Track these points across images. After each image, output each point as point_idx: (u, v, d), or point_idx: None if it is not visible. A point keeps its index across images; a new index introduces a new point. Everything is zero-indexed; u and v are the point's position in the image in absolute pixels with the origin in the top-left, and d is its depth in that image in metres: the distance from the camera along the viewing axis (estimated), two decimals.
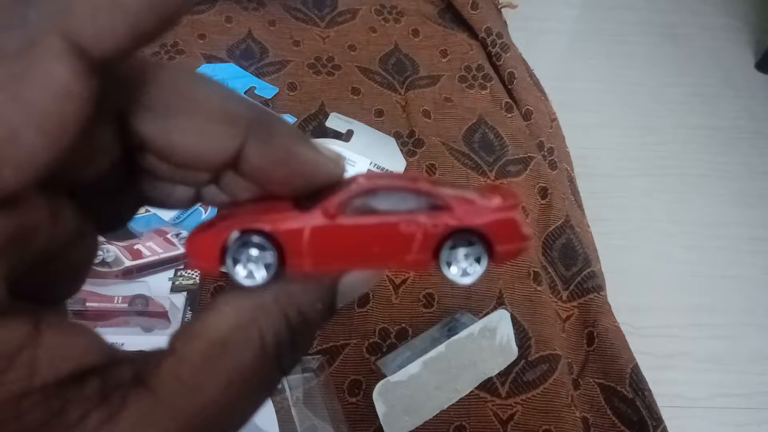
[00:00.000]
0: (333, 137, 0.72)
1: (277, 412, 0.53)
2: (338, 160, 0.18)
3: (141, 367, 0.16)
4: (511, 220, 0.18)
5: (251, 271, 0.17)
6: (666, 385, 1.13)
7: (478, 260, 0.18)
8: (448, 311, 0.61)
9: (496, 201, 0.19)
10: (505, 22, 1.00)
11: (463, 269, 0.18)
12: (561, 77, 1.57)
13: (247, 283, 0.17)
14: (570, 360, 0.62)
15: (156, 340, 0.57)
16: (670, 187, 1.44)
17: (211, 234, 0.17)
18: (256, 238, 0.17)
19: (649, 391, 0.60)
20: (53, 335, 0.15)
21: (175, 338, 0.16)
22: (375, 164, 0.70)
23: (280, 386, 0.54)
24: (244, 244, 0.17)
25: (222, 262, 0.17)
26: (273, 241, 0.17)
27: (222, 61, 0.80)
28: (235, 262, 0.17)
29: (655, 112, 1.58)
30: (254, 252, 0.17)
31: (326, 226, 0.17)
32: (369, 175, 0.18)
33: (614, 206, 1.38)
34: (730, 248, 1.34)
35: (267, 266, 0.17)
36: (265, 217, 0.17)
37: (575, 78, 1.63)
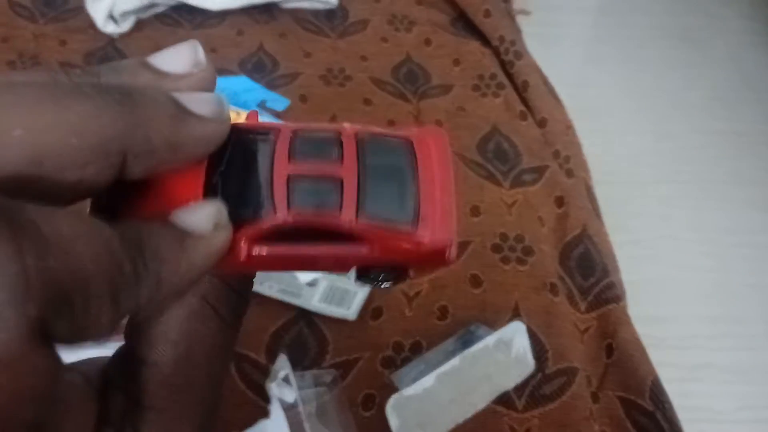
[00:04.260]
0: None
1: (290, 426, 0.52)
2: (221, 115, 0.16)
3: (126, 387, 0.16)
4: (435, 252, 0.17)
5: None
6: (690, 397, 1.10)
7: (394, 278, 0.18)
8: (462, 324, 0.60)
9: (427, 223, 0.17)
10: (519, 29, 0.99)
11: (377, 283, 0.18)
12: (577, 83, 1.55)
13: None
14: (588, 373, 0.61)
15: None
16: (689, 193, 1.41)
17: None
18: None
19: (670, 403, 0.58)
20: None
21: (140, 346, 0.16)
22: None
23: (293, 401, 0.53)
24: None
25: None
26: None
27: (234, 74, 0.81)
28: None
29: (674, 117, 1.56)
30: None
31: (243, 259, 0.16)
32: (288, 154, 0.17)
33: (634, 214, 1.35)
34: (753, 256, 1.31)
35: None
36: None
37: (592, 84, 1.61)
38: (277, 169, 0.16)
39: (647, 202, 1.39)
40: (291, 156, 0.16)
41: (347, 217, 0.16)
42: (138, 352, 0.16)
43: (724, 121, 1.57)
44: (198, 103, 0.15)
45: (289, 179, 0.16)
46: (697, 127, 1.55)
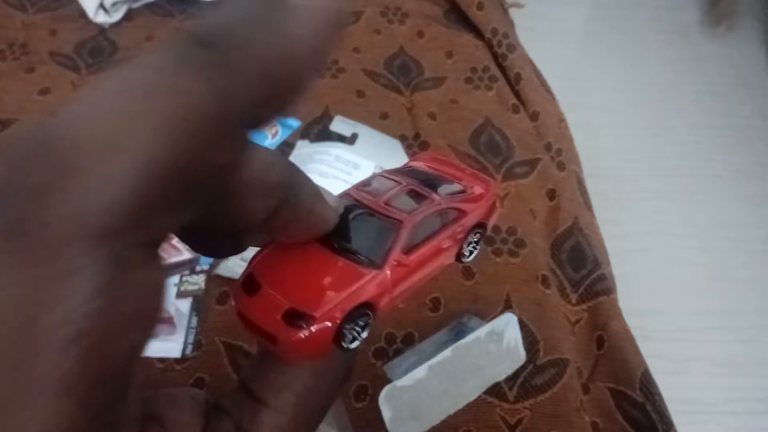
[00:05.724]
0: (338, 141, 0.71)
1: None
2: (339, 209, 0.21)
3: (240, 421, 0.19)
4: (495, 203, 0.25)
5: (357, 335, 0.19)
6: (681, 389, 1.11)
7: (477, 241, 0.24)
8: (454, 315, 0.60)
9: (480, 190, 0.25)
10: (512, 21, 0.99)
11: (470, 251, 0.24)
12: (571, 77, 1.55)
13: (354, 346, 0.19)
14: (579, 364, 0.61)
15: (162, 345, 0.57)
16: (682, 188, 1.42)
17: (318, 329, 0.18)
18: (362, 314, 0.19)
19: (660, 395, 0.59)
20: None
21: (263, 390, 0.19)
22: (379, 167, 0.69)
23: None
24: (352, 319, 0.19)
25: (336, 344, 0.19)
26: (372, 307, 0.19)
27: None
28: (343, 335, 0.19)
29: (667, 111, 1.57)
30: (360, 321, 0.19)
31: (402, 274, 0.20)
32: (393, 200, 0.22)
33: (626, 208, 1.36)
34: (744, 249, 1.32)
35: (365, 325, 0.19)
36: (356, 289, 0.19)
37: (585, 78, 1.61)
38: (372, 206, 0.21)
39: (640, 196, 1.39)
40: (371, 196, 0.22)
41: (438, 199, 0.22)
42: (260, 395, 0.19)
43: (717, 115, 1.57)
44: (329, 195, 0.20)
45: (386, 202, 0.22)
46: (690, 121, 1.55)
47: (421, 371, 0.52)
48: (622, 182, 1.41)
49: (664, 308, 1.22)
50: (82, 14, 0.83)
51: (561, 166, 0.76)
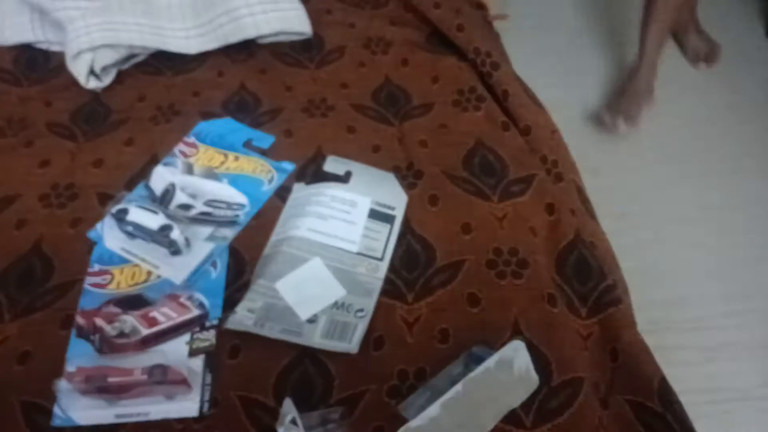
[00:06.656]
0: (332, 180, 0.72)
1: None
2: None
3: None
4: None
5: None
6: (713, 378, 1.10)
7: None
8: (464, 345, 0.60)
9: None
10: (497, 34, 0.99)
11: None
12: (568, 72, 1.54)
13: None
14: (596, 379, 0.61)
15: (179, 406, 0.58)
16: (692, 170, 1.40)
17: None
18: None
19: (679, 403, 0.58)
20: None
21: None
22: (376, 202, 0.70)
23: None
24: None
25: None
26: None
27: (218, 116, 0.82)
28: None
29: (669, 93, 1.55)
30: None
31: None
32: None
33: (638, 198, 1.35)
34: (762, 227, 1.30)
35: None
36: None
37: (583, 72, 1.60)
38: None
39: (650, 184, 1.38)
40: None
41: None
42: None
43: (720, 92, 1.56)
44: None
45: None
46: (693, 101, 1.54)
47: (433, 410, 0.52)
48: (631, 172, 1.39)
49: (687, 296, 1.21)
50: (75, 82, 0.85)
51: (558, 178, 0.75)
